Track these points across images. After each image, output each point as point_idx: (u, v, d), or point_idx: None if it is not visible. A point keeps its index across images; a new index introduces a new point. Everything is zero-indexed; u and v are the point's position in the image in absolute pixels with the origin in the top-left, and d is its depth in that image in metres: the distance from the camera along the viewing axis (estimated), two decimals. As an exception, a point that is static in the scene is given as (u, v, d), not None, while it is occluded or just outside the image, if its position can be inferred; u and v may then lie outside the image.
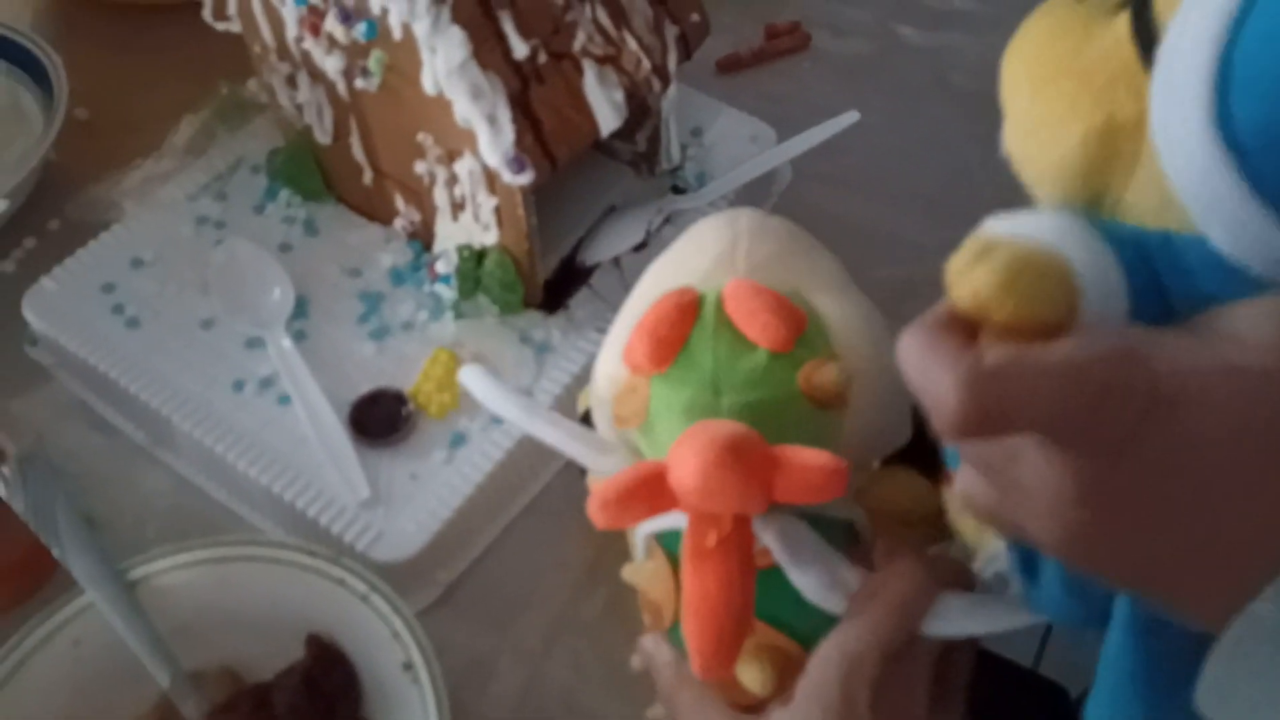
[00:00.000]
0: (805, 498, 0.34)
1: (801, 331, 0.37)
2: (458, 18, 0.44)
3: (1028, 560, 0.31)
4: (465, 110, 0.46)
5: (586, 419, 0.46)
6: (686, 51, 0.53)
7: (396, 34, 0.46)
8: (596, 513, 0.34)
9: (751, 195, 0.61)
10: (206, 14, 0.54)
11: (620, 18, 0.49)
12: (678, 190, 0.60)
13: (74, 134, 0.62)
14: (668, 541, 0.40)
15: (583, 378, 0.53)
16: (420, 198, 0.55)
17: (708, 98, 0.64)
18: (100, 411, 0.55)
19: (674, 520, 0.36)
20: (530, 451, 0.51)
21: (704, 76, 0.68)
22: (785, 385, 0.36)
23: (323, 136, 0.56)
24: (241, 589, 0.45)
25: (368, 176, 0.56)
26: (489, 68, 0.45)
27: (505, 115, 0.46)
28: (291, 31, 0.51)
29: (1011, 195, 0.63)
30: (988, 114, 0.67)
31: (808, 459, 0.33)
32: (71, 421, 0.54)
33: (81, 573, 0.44)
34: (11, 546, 0.47)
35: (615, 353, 0.41)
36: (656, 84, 0.51)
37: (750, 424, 0.35)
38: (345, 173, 0.57)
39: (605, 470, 0.41)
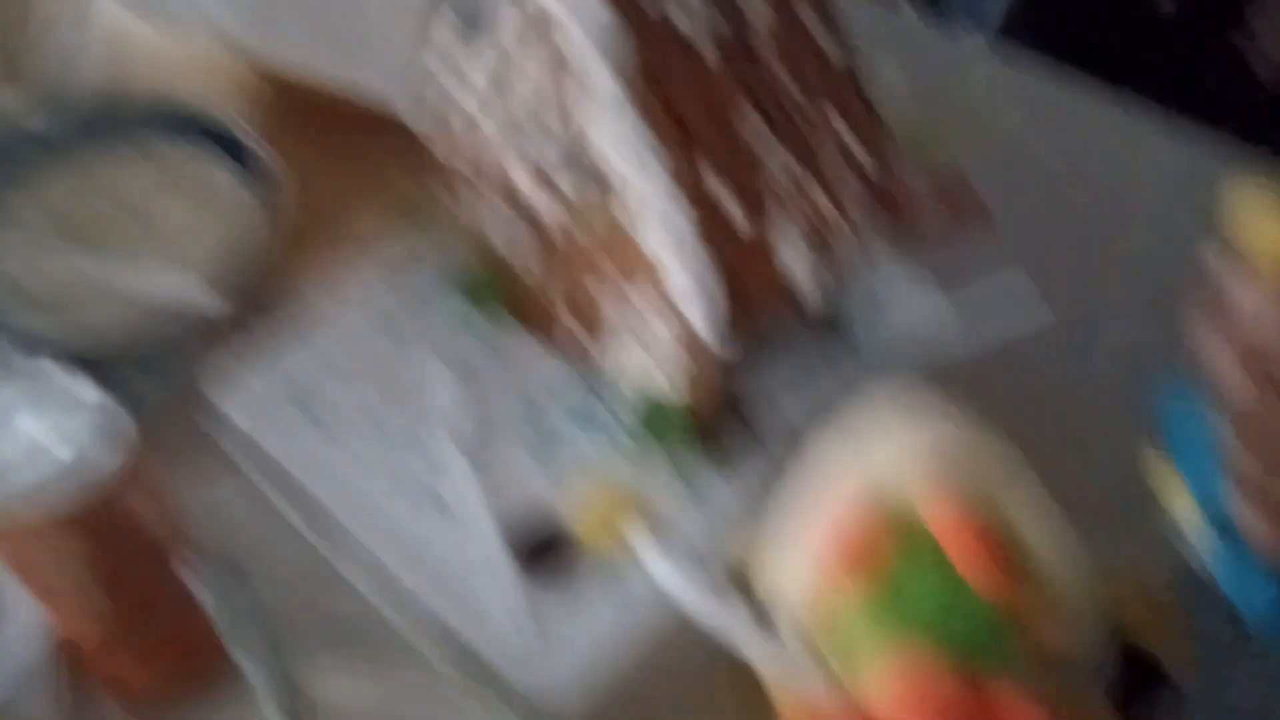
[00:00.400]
0: None
1: (1024, 578, 0.36)
2: (688, 193, 0.46)
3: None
4: (681, 281, 0.47)
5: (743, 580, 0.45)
6: (892, 231, 0.54)
7: (623, 198, 0.47)
8: None
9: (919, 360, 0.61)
10: (436, 151, 0.57)
11: (837, 198, 0.51)
12: (843, 338, 0.60)
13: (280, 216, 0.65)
14: None
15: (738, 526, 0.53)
16: (611, 340, 0.56)
17: (892, 262, 0.64)
18: (280, 508, 0.56)
19: None
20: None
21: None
22: (1005, 638, 0.36)
23: (523, 267, 0.58)
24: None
25: (562, 312, 0.58)
26: (712, 242, 0.47)
27: (720, 290, 0.47)
28: (516, 176, 0.53)
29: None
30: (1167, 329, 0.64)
31: (1021, 711, 0.33)
32: (247, 507, 0.56)
33: (257, 678, 0.45)
34: (189, 631, 0.48)
35: (798, 552, 0.41)
36: (863, 261, 0.52)
37: (961, 666, 0.34)
38: (539, 303, 0.59)
39: (784, 676, 0.40)
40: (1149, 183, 0.74)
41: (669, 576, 0.43)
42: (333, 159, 0.69)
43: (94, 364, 0.54)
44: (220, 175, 0.66)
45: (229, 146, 0.66)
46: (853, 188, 0.51)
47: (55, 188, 0.65)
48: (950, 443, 0.40)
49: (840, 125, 0.51)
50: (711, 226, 0.47)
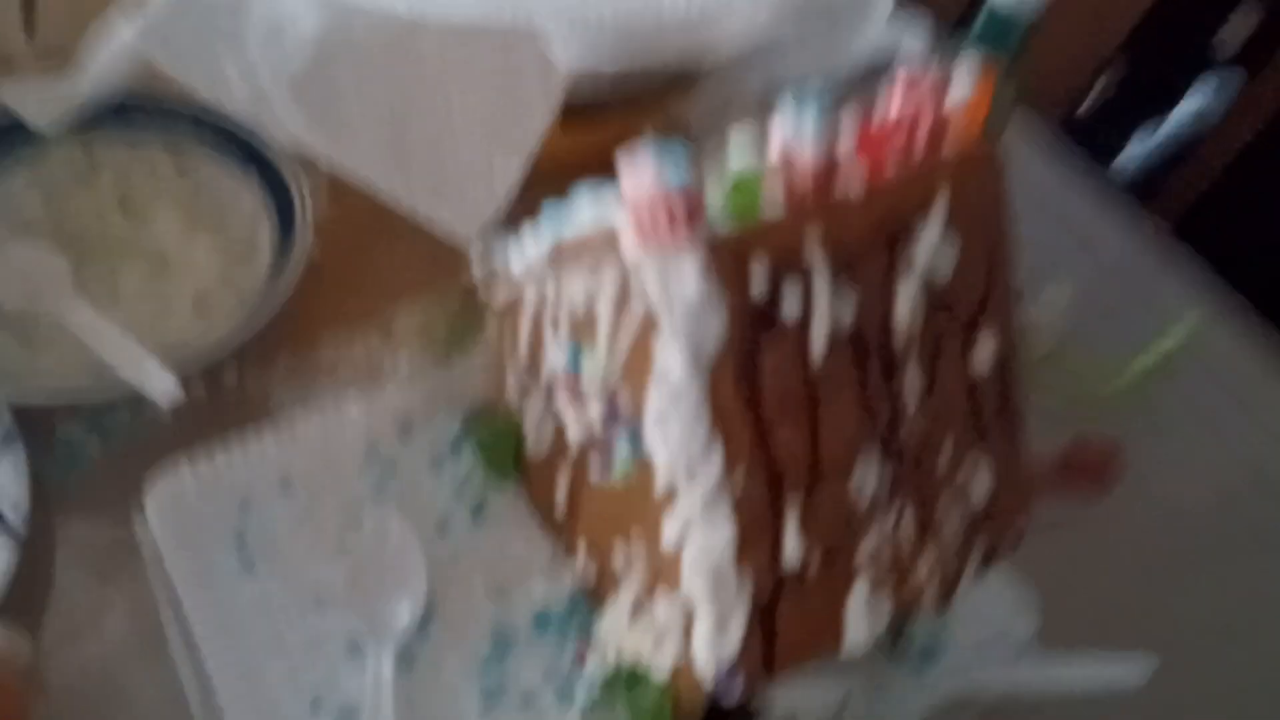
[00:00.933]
0: None
1: None
2: (738, 509, 0.34)
3: None
4: (697, 595, 0.36)
5: None
6: (988, 562, 0.42)
7: (659, 483, 0.36)
8: None
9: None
10: (475, 270, 0.46)
11: (927, 530, 0.39)
12: (894, 653, 0.49)
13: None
14: None
15: None
16: (605, 566, 0.45)
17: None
18: (169, 636, 0.47)
19: None
20: None
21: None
22: None
23: (534, 446, 0.47)
24: None
25: (560, 513, 0.47)
26: (747, 562, 0.35)
27: (739, 623, 0.36)
28: (548, 368, 0.42)
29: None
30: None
31: None
32: (135, 623, 0.47)
33: None
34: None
35: None
36: (936, 606, 0.40)
37: None
38: (541, 485, 0.48)
39: None
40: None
41: None
42: (388, 217, 0.58)
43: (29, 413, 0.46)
44: (251, 218, 0.56)
45: (270, 183, 0.56)
46: (954, 519, 0.39)
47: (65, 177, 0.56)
48: None
49: (965, 441, 0.38)
50: (754, 549, 0.35)
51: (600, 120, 0.54)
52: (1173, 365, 0.62)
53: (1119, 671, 0.49)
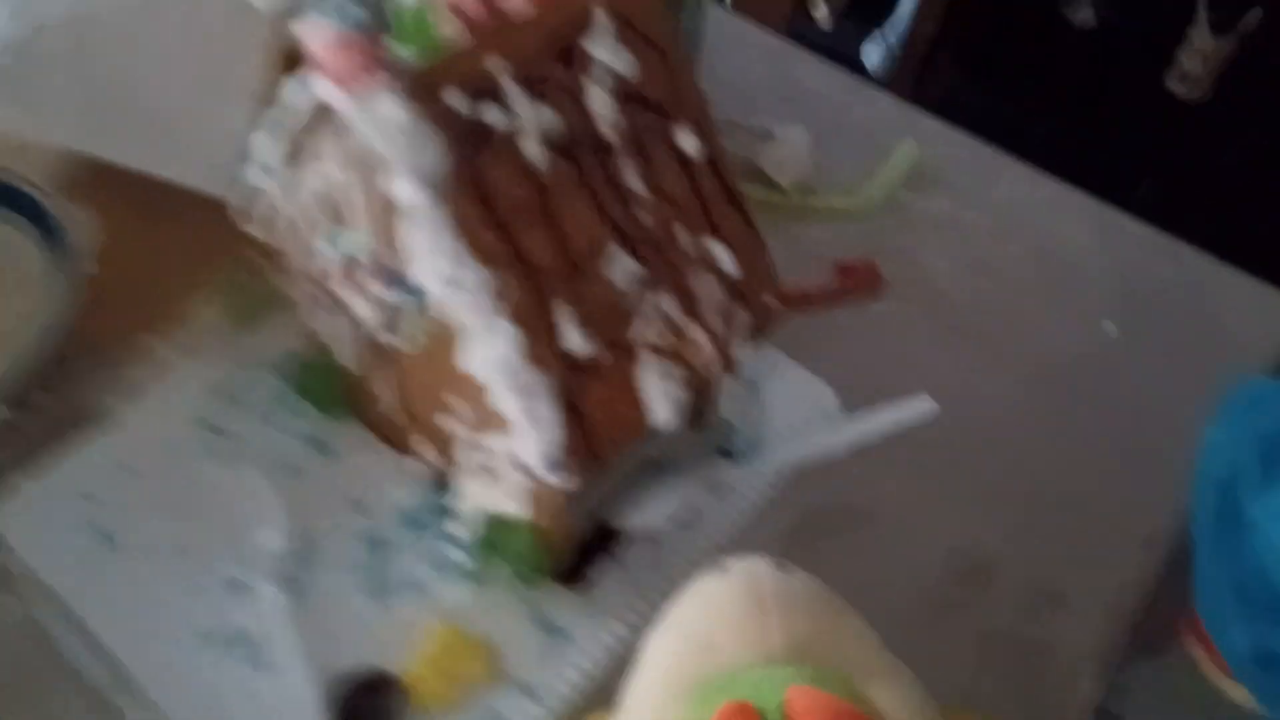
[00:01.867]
0: None
1: None
2: (512, 311, 0.39)
3: None
4: (506, 405, 0.41)
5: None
6: (755, 336, 0.48)
7: (437, 313, 0.41)
8: None
9: (804, 469, 0.55)
10: (234, 215, 0.49)
11: (690, 305, 0.44)
12: (725, 454, 0.55)
13: (82, 298, 0.57)
14: None
15: (598, 678, 0.47)
16: (445, 446, 0.49)
17: (765, 346, 0.59)
18: (58, 638, 0.49)
19: None
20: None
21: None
22: None
23: (349, 363, 0.51)
24: None
25: (392, 408, 0.51)
26: (539, 363, 0.40)
27: (551, 415, 0.40)
28: (324, 267, 0.46)
29: (1081, 487, 0.57)
30: (1063, 392, 0.61)
31: None
32: (24, 644, 0.49)
33: None
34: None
35: None
36: (720, 372, 0.46)
37: None
38: (368, 398, 0.52)
39: None
40: (1049, 236, 0.69)
41: None
42: (148, 225, 0.61)
43: None
44: (19, 245, 0.58)
45: (31, 213, 0.58)
46: (712, 293, 0.45)
47: None
48: (787, 612, 0.35)
49: (698, 226, 0.44)
50: (542, 349, 0.40)
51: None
52: (901, 184, 0.70)
53: (913, 411, 0.57)
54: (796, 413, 0.57)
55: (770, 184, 0.69)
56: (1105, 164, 0.91)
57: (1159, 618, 0.54)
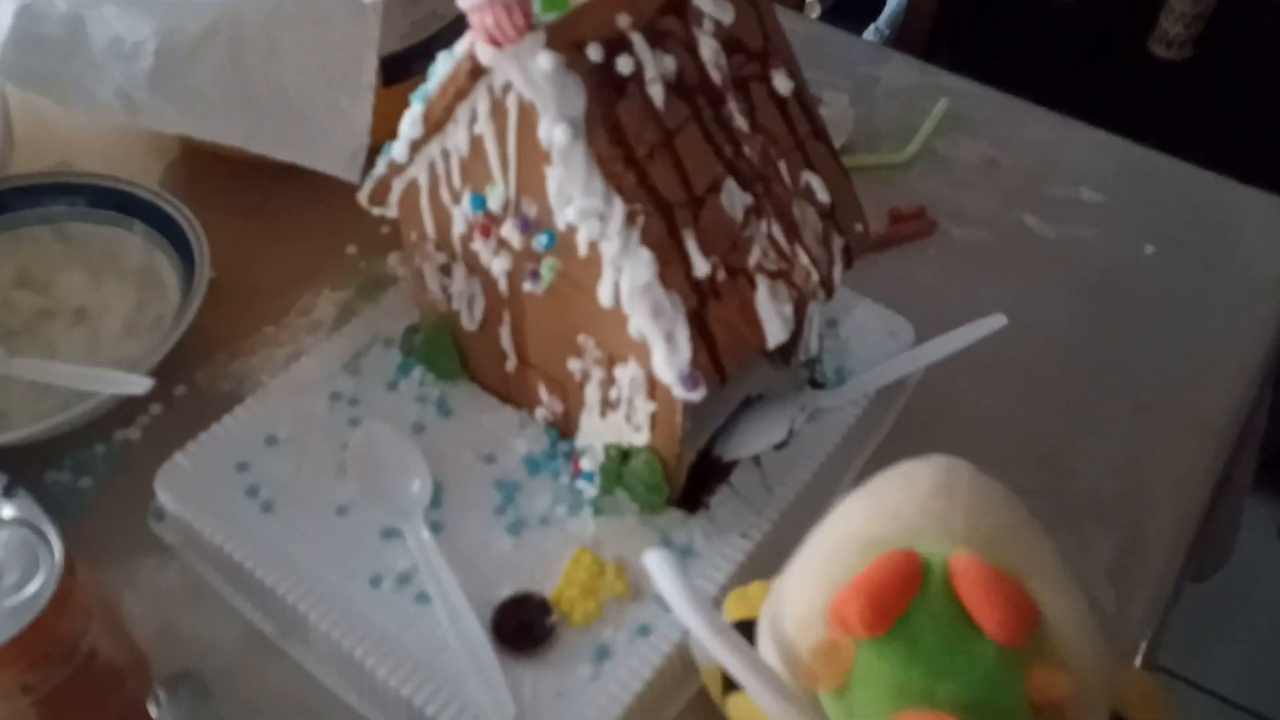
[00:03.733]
0: None
1: (1035, 629, 0.35)
2: (646, 239, 0.44)
3: None
4: (644, 326, 0.45)
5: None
6: (849, 261, 0.52)
7: (581, 250, 0.45)
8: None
9: (891, 389, 0.60)
10: (362, 198, 0.54)
11: (793, 232, 0.49)
12: (815, 384, 0.59)
13: (206, 294, 0.61)
14: None
15: (726, 586, 0.51)
16: (567, 391, 0.54)
17: (840, 287, 0.63)
18: (228, 597, 0.53)
19: None
20: (678, 671, 0.49)
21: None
22: (1011, 687, 0.34)
23: (470, 324, 0.55)
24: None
25: (511, 364, 0.55)
26: (671, 286, 0.45)
27: (684, 334, 0.45)
28: (459, 229, 0.50)
29: (1140, 384, 0.62)
30: (1114, 307, 0.67)
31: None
32: (195, 605, 0.53)
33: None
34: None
35: (812, 597, 0.39)
36: (823, 295, 0.50)
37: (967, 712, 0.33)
38: (486, 357, 0.56)
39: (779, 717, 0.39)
40: (1081, 172, 0.74)
41: (683, 604, 0.39)
42: (255, 213, 0.66)
43: (17, 465, 0.51)
44: (144, 251, 0.63)
45: (155, 220, 0.63)
46: (811, 221, 0.49)
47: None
48: (978, 508, 0.39)
49: (795, 160, 0.49)
50: (669, 270, 0.44)
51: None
52: (936, 135, 0.76)
53: (983, 328, 0.61)
54: (875, 343, 0.61)
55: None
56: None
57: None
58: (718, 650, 0.39)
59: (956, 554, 0.36)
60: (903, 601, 0.35)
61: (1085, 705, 0.35)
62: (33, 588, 0.37)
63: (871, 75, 0.82)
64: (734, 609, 0.46)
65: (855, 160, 0.74)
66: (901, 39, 1.47)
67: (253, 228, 0.68)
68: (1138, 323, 0.65)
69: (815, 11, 1.60)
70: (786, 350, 0.59)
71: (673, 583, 0.39)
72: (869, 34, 1.54)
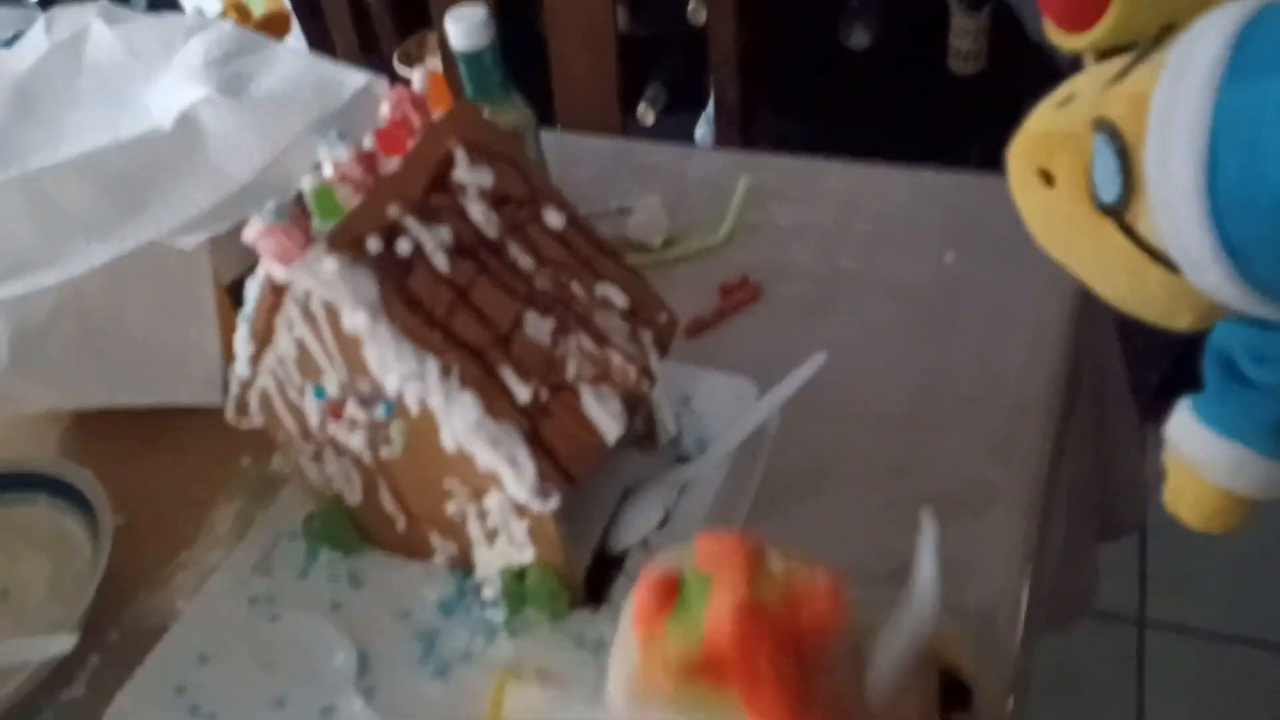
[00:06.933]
0: (822, 621, 0.39)
1: (758, 553, 0.43)
2: (466, 384, 0.49)
3: None
4: (487, 459, 0.50)
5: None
6: (663, 348, 0.58)
7: (413, 409, 0.51)
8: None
9: (750, 446, 0.65)
10: (229, 416, 0.59)
11: (601, 339, 0.55)
12: (682, 459, 0.65)
13: (114, 541, 0.66)
14: None
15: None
16: (454, 531, 0.59)
17: (687, 366, 0.70)
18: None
19: None
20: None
21: (677, 345, 0.74)
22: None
23: (354, 499, 0.60)
24: None
25: (401, 524, 0.60)
26: (501, 418, 0.50)
27: (523, 454, 0.50)
28: (314, 420, 0.56)
29: (979, 392, 0.69)
30: (933, 323, 0.74)
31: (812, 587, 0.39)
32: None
33: None
34: None
35: (625, 658, 0.44)
36: (646, 385, 0.56)
37: None
38: (379, 523, 0.61)
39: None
40: (894, 222, 0.82)
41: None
42: (151, 453, 0.71)
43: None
44: (50, 519, 0.67)
45: (56, 488, 0.67)
46: (616, 325, 0.56)
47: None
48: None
49: (585, 277, 0.55)
50: (495, 404, 0.50)
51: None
52: (746, 211, 0.83)
53: (810, 366, 0.67)
54: (726, 408, 0.67)
55: (643, 248, 0.81)
56: (930, 144, 1.06)
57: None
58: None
59: (695, 543, 0.44)
60: (670, 586, 0.43)
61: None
62: None
63: (679, 172, 0.90)
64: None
65: (678, 250, 0.81)
66: (722, 119, 1.58)
67: (151, 465, 0.72)
68: (954, 325, 0.72)
69: (650, 117, 1.70)
70: (649, 437, 0.65)
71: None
72: (700, 123, 1.65)
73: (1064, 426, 0.68)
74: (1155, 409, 0.90)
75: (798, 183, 0.87)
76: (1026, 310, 0.73)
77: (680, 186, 0.88)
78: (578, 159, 0.92)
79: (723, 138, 1.48)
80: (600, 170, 0.92)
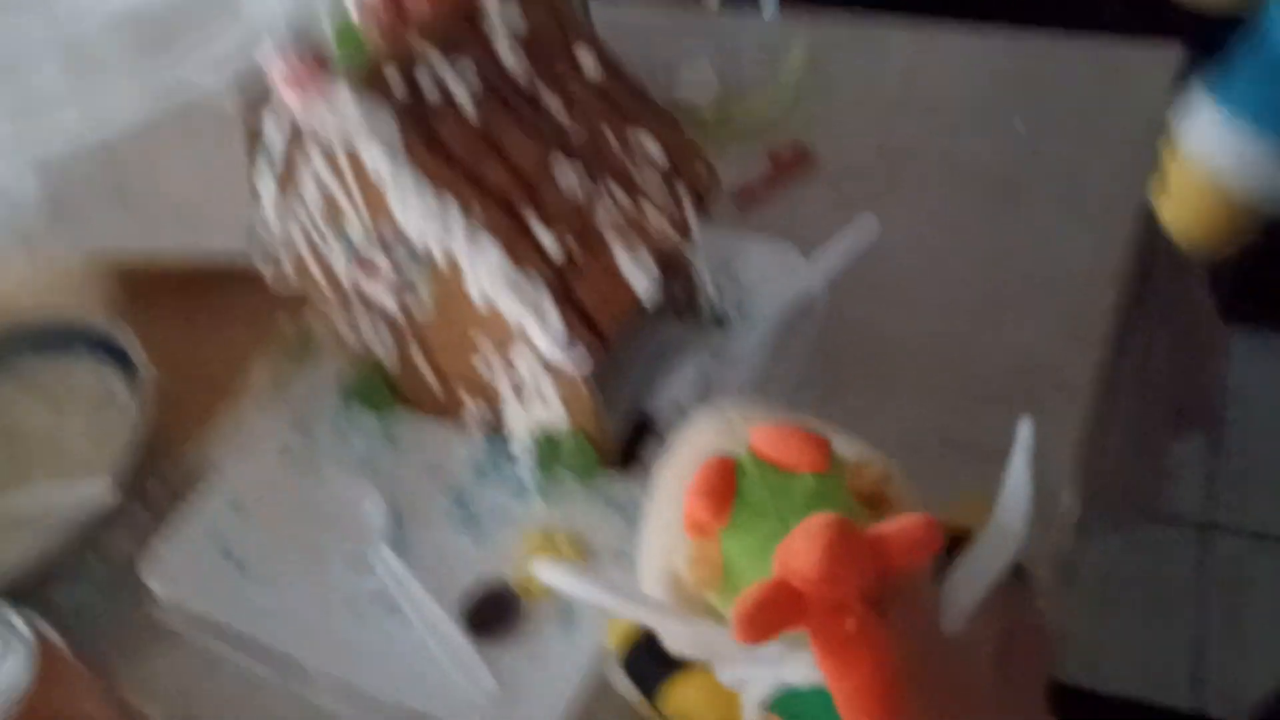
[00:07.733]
0: (914, 556, 0.35)
1: (830, 450, 0.39)
2: (489, 229, 0.47)
3: None
4: (511, 309, 0.49)
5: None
6: (701, 202, 0.56)
7: (439, 259, 0.49)
8: (743, 632, 0.35)
9: (795, 322, 0.63)
10: (269, 278, 0.58)
11: (635, 191, 0.53)
12: (719, 323, 0.63)
13: (154, 396, 0.66)
14: (782, 707, 0.40)
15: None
16: (485, 390, 0.58)
17: (732, 233, 0.67)
18: (232, 658, 0.57)
19: (780, 675, 0.37)
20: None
21: (725, 213, 0.71)
22: (838, 494, 0.38)
23: (389, 359, 0.60)
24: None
25: (433, 382, 0.59)
26: (525, 265, 0.48)
27: (549, 305, 0.49)
28: (346, 279, 0.55)
29: (1036, 275, 0.65)
30: (999, 199, 0.70)
31: (904, 520, 0.35)
32: (207, 673, 0.57)
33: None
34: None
35: (667, 537, 0.42)
36: (680, 240, 0.54)
37: None
38: (413, 382, 0.60)
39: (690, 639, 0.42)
40: (960, 89, 0.77)
41: (576, 588, 0.43)
42: (193, 315, 0.71)
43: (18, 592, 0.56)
44: (94, 372, 0.68)
45: (97, 343, 0.68)
46: (650, 174, 0.53)
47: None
48: (747, 413, 0.44)
49: (618, 124, 0.53)
50: (520, 251, 0.48)
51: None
52: (803, 83, 0.79)
53: (861, 232, 0.64)
54: (769, 272, 0.65)
55: (691, 111, 0.78)
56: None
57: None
58: (619, 608, 0.43)
59: (751, 434, 0.40)
60: (730, 483, 0.39)
61: (898, 487, 0.39)
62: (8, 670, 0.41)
63: (733, 33, 0.86)
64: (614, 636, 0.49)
65: (729, 115, 0.78)
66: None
67: (192, 324, 0.72)
68: (1022, 201, 0.68)
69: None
70: (691, 308, 0.63)
71: (565, 580, 0.43)
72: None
73: (1135, 311, 0.64)
74: (1234, 306, 0.85)
75: (858, 52, 0.82)
76: (1099, 185, 0.68)
77: (733, 50, 0.84)
78: (626, 16, 0.88)
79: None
80: (648, 29, 0.88)
